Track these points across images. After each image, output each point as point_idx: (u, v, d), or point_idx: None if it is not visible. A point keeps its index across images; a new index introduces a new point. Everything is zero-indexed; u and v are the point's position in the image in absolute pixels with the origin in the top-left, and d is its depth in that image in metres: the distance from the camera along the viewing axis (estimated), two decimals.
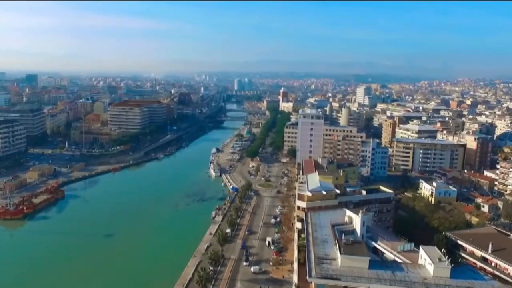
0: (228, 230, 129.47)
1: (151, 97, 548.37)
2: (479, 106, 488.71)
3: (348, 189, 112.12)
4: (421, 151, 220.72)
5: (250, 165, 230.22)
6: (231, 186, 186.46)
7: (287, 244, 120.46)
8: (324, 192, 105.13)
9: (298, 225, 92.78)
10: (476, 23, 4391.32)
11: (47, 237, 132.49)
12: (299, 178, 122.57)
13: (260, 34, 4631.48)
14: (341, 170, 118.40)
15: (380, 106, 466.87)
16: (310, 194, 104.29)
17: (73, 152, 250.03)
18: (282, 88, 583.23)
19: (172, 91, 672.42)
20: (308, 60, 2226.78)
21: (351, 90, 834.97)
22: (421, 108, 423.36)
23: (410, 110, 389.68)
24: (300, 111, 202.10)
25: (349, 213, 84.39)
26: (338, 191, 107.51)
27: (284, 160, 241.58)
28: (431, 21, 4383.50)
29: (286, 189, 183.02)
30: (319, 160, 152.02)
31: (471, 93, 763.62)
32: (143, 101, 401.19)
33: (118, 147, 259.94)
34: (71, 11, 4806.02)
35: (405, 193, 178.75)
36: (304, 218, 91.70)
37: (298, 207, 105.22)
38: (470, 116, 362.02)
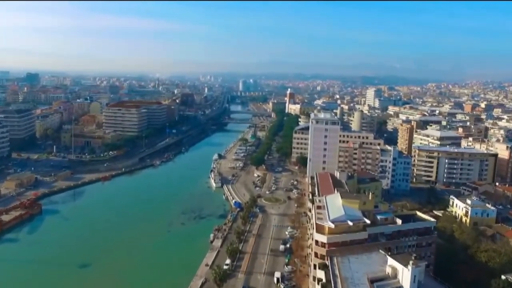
0: (227, 261, 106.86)
1: (152, 98, 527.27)
2: (495, 109, 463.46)
3: (378, 217, 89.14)
4: (446, 161, 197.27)
5: (255, 174, 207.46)
6: (233, 201, 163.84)
7: (300, 282, 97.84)
8: (350, 223, 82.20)
9: (319, 273, 69.97)
10: (485, 25, 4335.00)
11: (10, 267, 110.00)
12: (316, 200, 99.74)
13: (269, 36, 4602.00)
14: (370, 193, 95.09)
15: (391, 109, 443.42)
16: (332, 226, 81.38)
17: (61, 157, 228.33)
18: (289, 90, 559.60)
19: (175, 92, 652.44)
20: (315, 61, 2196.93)
21: (358, 92, 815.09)
22: (437, 111, 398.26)
23: (426, 113, 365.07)
24: (312, 115, 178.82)
25: (391, 261, 61.43)
26: (367, 221, 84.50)
27: (293, 168, 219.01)
28: (441, 23, 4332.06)
29: (296, 205, 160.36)
30: (337, 174, 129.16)
31: (482, 95, 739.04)
32: (142, 102, 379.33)
33: (111, 152, 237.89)
34: (80, 11, 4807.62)
35: (434, 211, 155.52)
36: (328, 263, 68.88)
37: (317, 242, 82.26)
38: (490, 121, 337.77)
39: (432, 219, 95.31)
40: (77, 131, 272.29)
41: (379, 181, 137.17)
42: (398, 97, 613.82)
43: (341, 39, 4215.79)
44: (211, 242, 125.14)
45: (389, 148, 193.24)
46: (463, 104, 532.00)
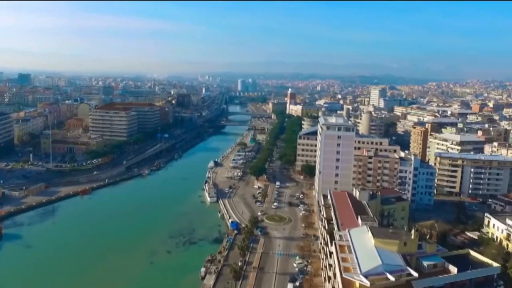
0: None
1: (147, 99, 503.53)
2: (504, 109, 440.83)
3: (425, 263, 65.88)
4: (472, 170, 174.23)
5: (255, 186, 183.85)
6: (230, 220, 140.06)
7: None
8: (391, 277, 58.63)
9: None
10: (483, 24, 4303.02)
11: None
12: (336, 236, 76.14)
13: (266, 35, 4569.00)
14: (413, 229, 71.34)
15: (398, 110, 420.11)
16: (367, 283, 57.75)
17: (39, 167, 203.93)
18: (289, 90, 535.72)
19: (172, 92, 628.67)
20: (312, 61, 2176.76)
21: (359, 91, 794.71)
22: (449, 112, 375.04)
23: (437, 114, 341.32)
24: (321, 120, 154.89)
25: None
26: (413, 273, 60.90)
27: (298, 178, 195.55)
28: (438, 23, 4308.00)
29: (303, 225, 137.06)
30: (356, 194, 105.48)
31: (485, 95, 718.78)
32: (132, 104, 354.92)
33: (94, 160, 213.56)
34: (79, 12, 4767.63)
35: (467, 232, 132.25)
36: None
37: None
38: (505, 122, 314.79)
39: (495, 264, 71.47)
40: (59, 137, 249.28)
41: (406, 201, 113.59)
42: (403, 97, 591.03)
43: (336, 39, 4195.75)
44: (202, 278, 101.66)
45: (409, 156, 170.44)
46: (470, 104, 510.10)
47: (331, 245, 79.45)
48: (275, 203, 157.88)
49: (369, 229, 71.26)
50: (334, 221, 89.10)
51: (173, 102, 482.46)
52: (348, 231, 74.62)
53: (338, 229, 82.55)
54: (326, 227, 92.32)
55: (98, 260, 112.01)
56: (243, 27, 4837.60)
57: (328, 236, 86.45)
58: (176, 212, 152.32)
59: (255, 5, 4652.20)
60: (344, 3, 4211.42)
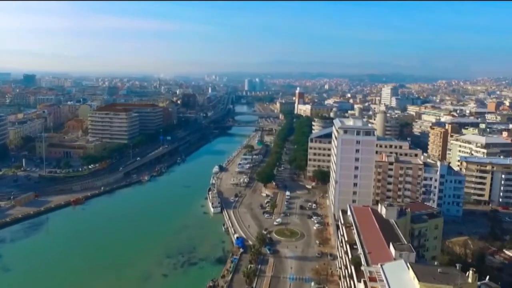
0: None
1: (151, 99, 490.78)
2: None
3: None
4: (503, 176, 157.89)
5: (263, 194, 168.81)
6: (235, 235, 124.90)
7: None
8: None
9: None
10: (490, 22, 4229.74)
11: None
12: (366, 272, 60.83)
13: (272, 35, 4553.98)
14: (470, 270, 55.52)
15: (411, 109, 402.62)
16: None
17: (32, 173, 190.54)
18: (298, 89, 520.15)
19: (178, 92, 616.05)
20: (319, 60, 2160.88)
21: (368, 90, 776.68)
22: (467, 111, 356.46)
23: (455, 114, 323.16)
24: (336, 123, 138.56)
25: None
26: None
27: (309, 185, 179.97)
28: (446, 20, 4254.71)
29: (317, 242, 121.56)
30: (381, 210, 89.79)
31: (498, 93, 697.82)
32: (134, 104, 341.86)
33: (91, 165, 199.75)
34: (86, 13, 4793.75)
35: (505, 251, 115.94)
36: None
37: None
38: None
39: None
40: (56, 140, 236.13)
41: (439, 217, 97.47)
42: (416, 95, 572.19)
43: (343, 38, 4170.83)
44: None
45: (429, 160, 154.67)
46: (486, 102, 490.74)
47: (358, 281, 64.15)
48: (281, 217, 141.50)
49: (410, 267, 55.75)
50: (359, 246, 73.68)
51: (178, 102, 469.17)
52: (381, 267, 59.14)
53: (366, 259, 67.17)
54: (349, 254, 76.85)
55: (83, 287, 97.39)
56: (249, 27, 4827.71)
57: (353, 268, 71.03)
58: (175, 225, 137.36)
59: (261, 4, 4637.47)
60: (350, 3, 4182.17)
